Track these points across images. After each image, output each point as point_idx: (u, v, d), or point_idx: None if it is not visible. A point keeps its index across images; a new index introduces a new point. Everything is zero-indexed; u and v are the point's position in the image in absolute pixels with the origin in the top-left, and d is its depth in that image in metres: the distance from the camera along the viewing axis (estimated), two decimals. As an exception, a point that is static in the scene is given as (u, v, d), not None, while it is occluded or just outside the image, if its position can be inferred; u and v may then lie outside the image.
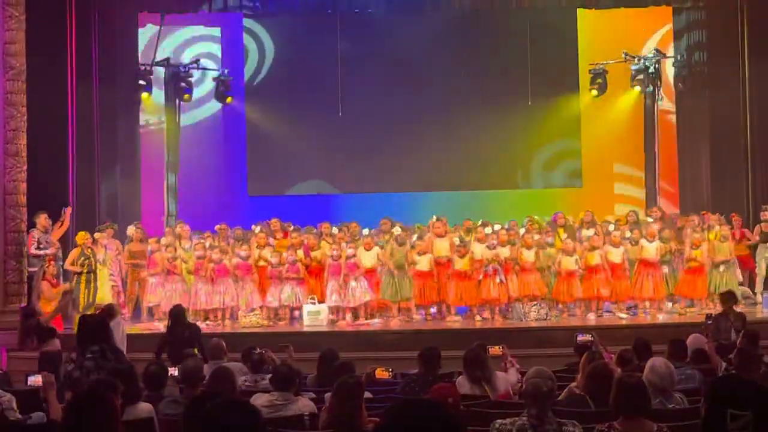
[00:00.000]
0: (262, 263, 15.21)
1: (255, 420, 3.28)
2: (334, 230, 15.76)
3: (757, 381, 4.25)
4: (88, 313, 12.44)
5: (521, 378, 7.58)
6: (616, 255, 15.11)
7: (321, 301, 14.81)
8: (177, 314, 11.50)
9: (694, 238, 15.15)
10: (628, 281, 15.12)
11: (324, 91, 19.59)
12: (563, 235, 15.78)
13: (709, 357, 8.76)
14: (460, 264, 14.85)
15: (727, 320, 11.38)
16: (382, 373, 7.89)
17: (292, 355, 9.67)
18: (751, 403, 3.50)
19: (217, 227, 16.37)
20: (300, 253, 15.17)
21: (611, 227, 15.80)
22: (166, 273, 15.02)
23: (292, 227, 16.28)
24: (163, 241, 15.50)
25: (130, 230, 15.95)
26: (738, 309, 12.26)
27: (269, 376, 8.47)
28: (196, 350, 10.40)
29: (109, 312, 10.91)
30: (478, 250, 15.04)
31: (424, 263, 14.97)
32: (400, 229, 15.31)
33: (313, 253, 15.30)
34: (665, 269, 15.32)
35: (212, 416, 3.27)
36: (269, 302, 15.02)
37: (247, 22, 20.10)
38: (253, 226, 16.18)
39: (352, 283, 14.81)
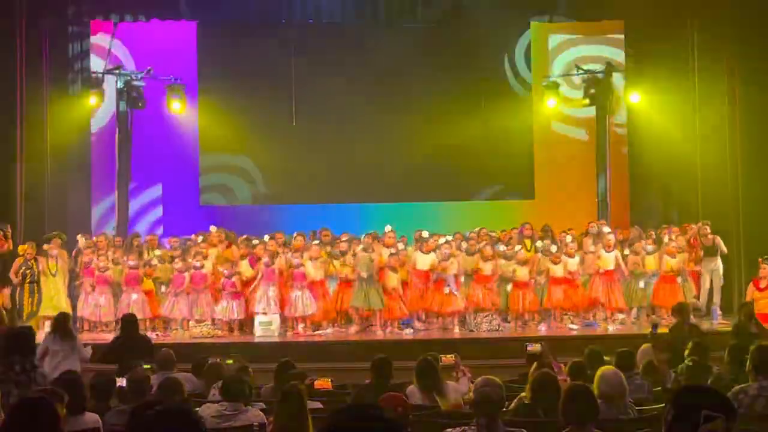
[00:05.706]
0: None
1: (196, 429, 3.21)
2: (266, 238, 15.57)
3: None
4: (29, 323, 12.27)
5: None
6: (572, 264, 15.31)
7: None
8: (130, 323, 11.32)
9: (670, 247, 15.36)
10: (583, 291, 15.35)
11: (278, 101, 19.50)
12: (530, 246, 15.97)
13: (658, 368, 8.80)
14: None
15: (683, 332, 11.40)
16: (322, 383, 7.78)
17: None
18: (718, 411, 3.41)
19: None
20: (245, 264, 15.03)
21: (568, 238, 15.93)
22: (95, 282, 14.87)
23: (244, 237, 16.10)
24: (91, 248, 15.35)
25: (81, 241, 15.76)
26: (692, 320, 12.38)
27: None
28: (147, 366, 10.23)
29: (63, 320, 10.70)
30: (425, 260, 15.03)
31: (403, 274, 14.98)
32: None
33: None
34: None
35: (153, 425, 3.20)
36: (218, 313, 14.92)
37: (201, 31, 19.93)
38: (193, 236, 16.12)
39: (296, 293, 14.72)
